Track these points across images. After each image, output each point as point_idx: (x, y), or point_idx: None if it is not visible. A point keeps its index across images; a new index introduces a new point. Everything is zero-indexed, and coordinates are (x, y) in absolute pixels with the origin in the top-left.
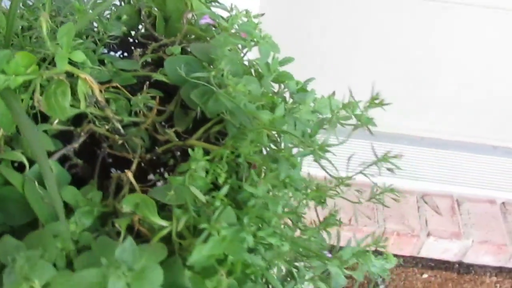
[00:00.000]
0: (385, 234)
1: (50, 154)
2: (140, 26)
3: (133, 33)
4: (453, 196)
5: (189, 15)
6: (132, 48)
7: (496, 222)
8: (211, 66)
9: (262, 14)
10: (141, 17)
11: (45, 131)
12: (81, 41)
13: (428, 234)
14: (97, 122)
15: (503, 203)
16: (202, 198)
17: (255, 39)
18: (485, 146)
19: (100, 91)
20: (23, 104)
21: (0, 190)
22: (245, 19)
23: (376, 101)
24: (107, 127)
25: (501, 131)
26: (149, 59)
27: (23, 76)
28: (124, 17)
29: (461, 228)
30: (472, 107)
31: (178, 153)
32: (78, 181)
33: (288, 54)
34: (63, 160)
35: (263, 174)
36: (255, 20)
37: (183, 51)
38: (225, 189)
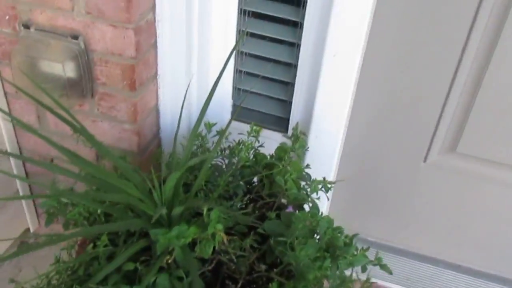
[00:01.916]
0: None
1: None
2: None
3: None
4: None
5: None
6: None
7: None
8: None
9: (334, 182)
10: (255, 180)
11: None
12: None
13: None
14: (222, 254)
15: None
16: None
17: (318, 218)
18: (509, 280)
19: (227, 239)
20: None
21: None
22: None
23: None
24: (227, 257)
25: None
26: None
27: (190, 237)
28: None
29: None
30: (500, 249)
31: (265, 278)
32: (207, 285)
33: None
34: (200, 274)
35: None
36: (329, 185)
37: (279, 208)
38: None
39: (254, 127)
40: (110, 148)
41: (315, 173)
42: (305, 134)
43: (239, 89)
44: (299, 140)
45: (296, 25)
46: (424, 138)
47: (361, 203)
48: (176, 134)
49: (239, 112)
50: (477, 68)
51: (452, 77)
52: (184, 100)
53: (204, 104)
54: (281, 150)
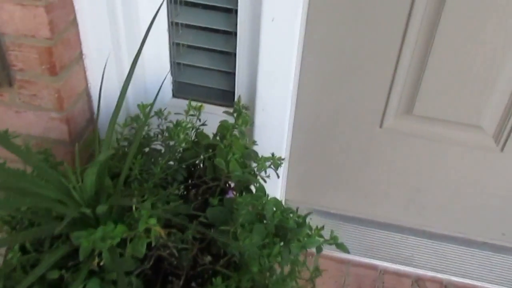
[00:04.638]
0: None
1: (132, 272)
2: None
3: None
4: (442, 282)
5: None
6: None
7: None
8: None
9: (283, 158)
10: (198, 164)
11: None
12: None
13: None
14: (161, 249)
15: None
16: None
17: (263, 201)
18: (474, 241)
19: (164, 232)
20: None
21: None
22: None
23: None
24: (167, 252)
25: (489, 230)
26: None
27: (119, 237)
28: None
29: None
30: (463, 210)
31: (210, 271)
32: (148, 283)
33: None
34: (140, 272)
35: None
36: (279, 162)
37: (223, 192)
38: None
39: (194, 104)
40: (41, 139)
41: (265, 149)
42: (247, 108)
43: (178, 63)
44: (242, 115)
45: None
46: (378, 102)
47: (318, 175)
48: (107, 120)
49: (182, 89)
50: (427, 25)
51: (402, 35)
52: (102, 80)
53: (125, 82)
54: (223, 128)
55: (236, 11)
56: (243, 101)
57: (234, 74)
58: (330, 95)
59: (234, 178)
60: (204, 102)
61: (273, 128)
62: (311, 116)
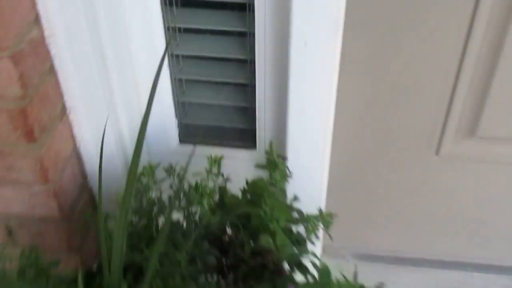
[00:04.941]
0: None
1: None
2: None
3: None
4: None
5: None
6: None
7: None
8: None
9: (335, 215)
10: (229, 239)
11: None
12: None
13: None
14: None
15: None
16: None
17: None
18: None
19: None
20: None
21: None
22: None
23: None
24: None
25: None
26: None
27: None
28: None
29: None
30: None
31: None
32: None
33: None
34: None
35: None
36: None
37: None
38: None
39: (213, 157)
40: (25, 218)
41: (301, 198)
42: (285, 158)
43: (183, 103)
44: (279, 167)
45: (244, 8)
46: (434, 125)
47: (361, 214)
48: (100, 194)
49: (189, 132)
50: (494, 31)
51: (463, 45)
52: (103, 137)
53: (137, 145)
54: (257, 187)
55: (252, 34)
56: (267, 143)
57: (251, 109)
58: (373, 122)
59: (285, 258)
60: (218, 145)
61: (310, 173)
62: (350, 147)
